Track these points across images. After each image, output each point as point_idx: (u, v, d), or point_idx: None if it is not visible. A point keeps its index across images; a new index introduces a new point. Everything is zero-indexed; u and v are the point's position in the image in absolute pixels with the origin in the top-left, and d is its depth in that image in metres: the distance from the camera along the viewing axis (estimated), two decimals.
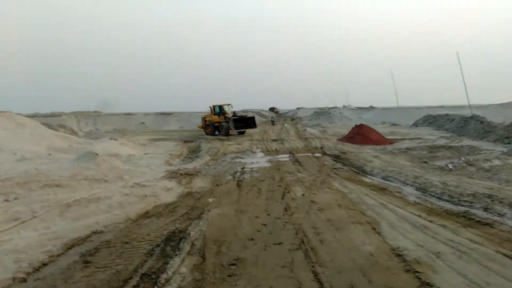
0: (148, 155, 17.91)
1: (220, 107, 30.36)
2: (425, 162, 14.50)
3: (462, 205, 7.66)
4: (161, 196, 8.93)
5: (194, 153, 20.00)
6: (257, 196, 9.17)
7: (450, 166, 13.30)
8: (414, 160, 15.02)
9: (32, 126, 20.60)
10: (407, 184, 10.00)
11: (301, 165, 14.37)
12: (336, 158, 16.04)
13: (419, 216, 6.91)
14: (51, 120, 35.57)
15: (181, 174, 12.13)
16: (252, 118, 30.11)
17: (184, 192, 9.61)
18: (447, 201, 8.12)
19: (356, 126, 23.35)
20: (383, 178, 11.06)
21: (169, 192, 9.46)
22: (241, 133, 29.50)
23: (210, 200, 8.78)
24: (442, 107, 32.60)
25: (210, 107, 31.05)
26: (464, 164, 13.36)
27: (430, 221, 6.56)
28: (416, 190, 9.31)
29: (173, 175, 11.83)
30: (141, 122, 38.96)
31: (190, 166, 14.73)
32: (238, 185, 10.67)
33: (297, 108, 48.28)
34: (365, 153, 17.41)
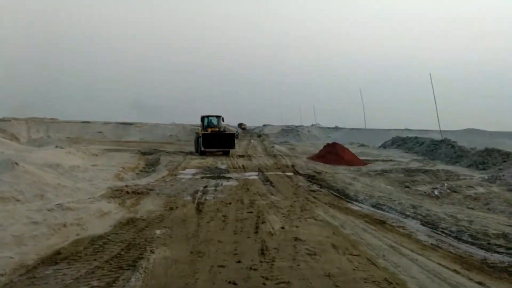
0: (96, 167, 14.95)
1: (208, 118, 23.71)
2: (407, 187, 12.61)
3: (498, 252, 5.52)
4: (89, 224, 6.25)
5: (151, 167, 17.20)
6: (223, 227, 6.66)
7: (436, 192, 11.43)
8: (395, 184, 13.10)
9: None
10: (408, 215, 7.82)
11: (272, 185, 12.01)
12: (311, 178, 13.82)
13: (455, 271, 4.65)
14: (1, 125, 31.53)
15: (127, 193, 9.42)
16: (231, 136, 22.47)
17: (125, 219, 6.94)
18: (472, 243, 5.96)
19: (328, 144, 21.42)
20: (373, 206, 8.86)
21: (103, 218, 6.77)
22: (225, 153, 22.12)
23: (158, 232, 6.18)
24: (408, 130, 31.59)
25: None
26: (448, 191, 11.56)
27: (479, 283, 4.30)
28: (422, 225, 7.14)
29: (116, 193, 9.11)
30: (98, 131, 35.55)
31: (142, 181, 12.02)
32: (198, 210, 8.12)
33: (264, 125, 46.45)
34: (340, 173, 15.32)
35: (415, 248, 5.60)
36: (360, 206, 8.88)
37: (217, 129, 22.84)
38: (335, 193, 10.73)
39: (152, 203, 8.71)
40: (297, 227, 6.66)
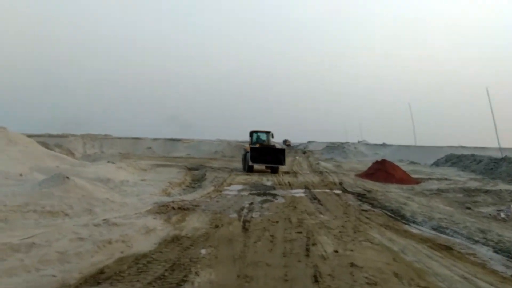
0: (145, 182, 15.09)
1: (256, 134, 22.38)
2: (469, 208, 11.52)
3: None
4: (135, 241, 6.02)
5: (197, 182, 17.14)
6: (270, 248, 6.19)
7: (502, 215, 10.30)
8: (454, 205, 12.02)
9: (24, 144, 17.99)
10: (476, 241, 6.95)
11: (321, 204, 11.38)
12: (361, 197, 13.03)
13: None
14: (59, 141, 33.18)
15: (173, 208, 9.21)
16: (281, 151, 20.71)
17: (170, 236, 6.67)
18: None
19: (377, 161, 20.39)
20: (434, 229, 8.02)
21: (148, 235, 6.53)
22: (274, 171, 20.37)
23: (203, 252, 5.83)
24: (462, 147, 29.57)
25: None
26: None
27: None
28: (496, 252, 6.27)
29: (162, 209, 8.91)
30: (148, 147, 36.46)
31: (188, 197, 11.82)
32: (244, 228, 7.71)
33: (308, 142, 45.57)
34: (392, 192, 14.38)
35: (493, 280, 4.83)
36: (419, 229, 8.07)
37: (265, 145, 21.64)
38: (389, 214, 9.93)
39: (198, 220, 8.43)
40: (351, 250, 6.05)
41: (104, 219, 6.92)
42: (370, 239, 6.87)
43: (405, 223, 8.76)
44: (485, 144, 29.28)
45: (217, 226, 7.72)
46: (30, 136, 27.01)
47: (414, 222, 8.87)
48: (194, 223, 8.02)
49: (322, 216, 9.38)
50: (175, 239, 6.50)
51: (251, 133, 22.38)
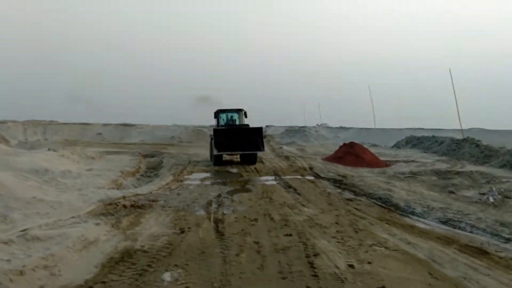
0: (91, 172, 12.69)
1: (225, 113, 16.82)
2: (452, 192, 10.46)
3: None
4: (64, 265, 4.01)
5: (153, 170, 14.96)
6: (260, 264, 4.41)
7: (491, 199, 9.27)
8: (435, 189, 10.92)
9: None
10: (507, 239, 5.58)
11: (297, 193, 9.78)
12: (338, 183, 11.57)
13: None
14: None
15: (124, 207, 7.17)
16: (257, 131, 14.97)
17: (118, 251, 4.70)
18: None
19: (345, 144, 19.13)
20: (443, 223, 6.61)
21: (87, 251, 4.53)
22: (250, 161, 15.22)
23: (167, 278, 3.95)
24: (421, 129, 29.37)
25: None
26: (500, 196, 9.43)
27: None
28: None
29: (109, 208, 6.85)
30: (98, 133, 33.18)
31: (144, 189, 9.76)
32: (218, 231, 5.88)
33: (266, 126, 44.45)
34: (368, 177, 13.07)
35: None
36: (426, 223, 6.63)
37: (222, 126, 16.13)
38: (379, 203, 8.48)
39: (156, 221, 6.48)
40: (369, 263, 4.41)
41: (23, 230, 4.80)
42: (381, 242, 5.29)
43: (404, 215, 7.32)
44: (444, 126, 29.07)
45: (182, 231, 5.82)
46: None
47: (413, 213, 7.46)
48: (152, 226, 6.07)
49: (306, 209, 7.75)
50: (125, 256, 4.54)
51: (217, 113, 16.56)
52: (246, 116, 16.53)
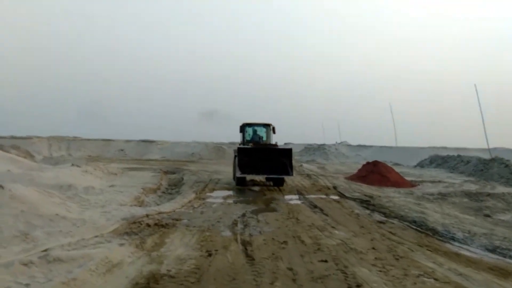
0: (114, 188, 12.49)
1: (251, 127, 15.06)
2: (488, 216, 9.86)
3: None
4: None
5: (175, 187, 14.68)
6: None
7: None
8: (470, 212, 10.34)
9: None
10: None
11: (324, 214, 9.30)
12: (365, 203, 11.03)
13: None
14: (22, 143, 29.63)
15: (148, 225, 6.83)
16: (286, 153, 13.28)
17: (143, 276, 4.32)
18: None
19: (368, 163, 18.53)
20: (491, 251, 6.03)
21: (110, 276, 4.17)
22: (277, 184, 13.93)
23: None
24: (444, 148, 28.41)
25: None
26: None
27: None
28: None
29: (133, 227, 6.52)
30: (120, 149, 33.37)
31: (166, 207, 9.41)
32: (247, 255, 5.45)
33: (285, 143, 43.93)
34: (396, 197, 12.46)
35: None
36: (470, 251, 6.05)
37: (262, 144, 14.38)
38: (414, 227, 7.92)
39: (182, 242, 6.10)
40: None
41: (44, 250, 4.49)
42: (428, 272, 4.76)
43: (444, 241, 6.74)
44: (468, 145, 28.08)
45: (209, 254, 5.42)
46: None
47: (453, 239, 6.87)
48: (177, 248, 5.69)
49: (336, 232, 7.25)
50: (151, 282, 4.16)
51: (242, 127, 14.84)
52: (274, 132, 14.75)
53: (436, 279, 4.48)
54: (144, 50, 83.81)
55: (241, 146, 13.93)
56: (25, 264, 3.91)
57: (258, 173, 13.21)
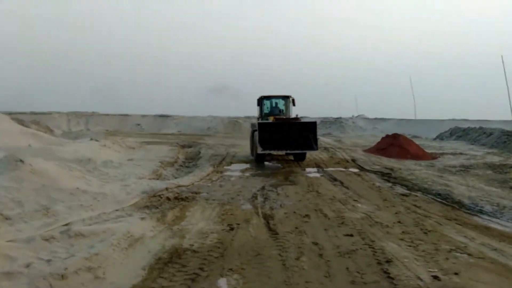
0: (132, 162, 12.49)
1: (269, 100, 14.27)
2: None
3: None
4: (109, 266, 3.55)
5: (192, 161, 14.60)
6: (326, 270, 3.79)
7: None
8: (495, 184, 9.88)
9: None
10: None
11: (345, 187, 9.06)
12: (386, 176, 10.73)
13: None
14: (42, 118, 29.98)
15: (168, 199, 6.73)
16: (311, 126, 12.53)
17: (166, 251, 4.21)
18: None
19: (388, 135, 18.05)
20: None
21: (133, 251, 4.07)
22: (299, 158, 13.38)
23: (222, 284, 3.41)
24: (466, 120, 27.54)
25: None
26: None
27: None
28: None
29: (153, 200, 6.43)
30: (137, 123, 33.50)
31: (185, 181, 9.31)
32: (270, 229, 5.30)
33: (301, 117, 43.48)
34: (417, 170, 12.10)
35: None
36: (502, 224, 5.75)
37: (284, 118, 13.32)
38: (439, 200, 7.62)
39: (202, 215, 5.98)
40: (456, 274, 3.68)
41: (65, 225, 4.41)
42: (460, 247, 4.52)
43: (472, 214, 6.45)
44: (490, 117, 27.11)
45: (231, 228, 5.28)
46: (11, 114, 23.98)
47: (481, 212, 6.57)
48: (198, 221, 5.58)
49: (359, 205, 7.03)
50: (174, 257, 4.04)
51: (260, 100, 14.01)
52: (294, 104, 13.77)
53: (469, 254, 4.24)
54: (153, 21, 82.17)
55: (261, 121, 13.03)
56: (46, 239, 3.83)
57: (280, 149, 12.22)
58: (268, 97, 14.20)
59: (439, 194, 8.08)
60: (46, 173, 6.36)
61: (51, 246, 3.74)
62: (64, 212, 4.93)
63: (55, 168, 7.55)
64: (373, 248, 4.44)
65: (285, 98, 14.06)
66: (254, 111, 15.37)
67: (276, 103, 14.22)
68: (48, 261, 3.35)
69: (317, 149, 12.50)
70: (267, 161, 13.38)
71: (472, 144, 21.29)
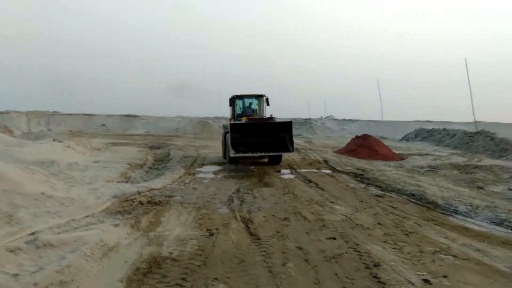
0: (99, 164, 11.91)
1: (241, 100, 13.63)
2: (481, 188, 9.76)
3: None
4: (83, 279, 3.24)
5: (161, 163, 14.15)
6: (314, 277, 3.65)
7: None
8: (462, 184, 10.22)
9: None
10: None
11: (320, 188, 9.03)
12: (359, 177, 10.82)
13: None
14: (0, 118, 28.24)
15: (140, 203, 6.40)
16: (286, 126, 11.93)
17: (144, 260, 3.93)
18: None
19: (358, 137, 18.34)
20: (498, 224, 5.86)
21: (108, 261, 3.75)
22: (274, 161, 12.88)
23: None
24: (429, 121, 28.54)
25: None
26: None
27: None
28: None
29: (125, 205, 6.08)
30: (102, 124, 32.27)
31: (157, 184, 8.95)
32: (251, 234, 5.12)
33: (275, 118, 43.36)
34: (388, 171, 12.32)
35: None
36: (477, 224, 5.87)
37: (258, 118, 12.64)
38: (414, 200, 7.73)
39: (179, 220, 5.71)
40: (445, 277, 3.65)
41: (32, 233, 4.03)
42: (444, 248, 4.52)
43: (448, 214, 6.56)
44: (453, 119, 28.17)
45: (211, 233, 5.05)
46: None
47: (456, 212, 6.70)
48: (175, 227, 5.30)
49: (337, 207, 6.99)
50: (153, 266, 3.77)
51: (232, 100, 13.39)
52: (268, 104, 13.14)
53: (454, 256, 4.25)
54: (115, 17, 79.52)
55: (234, 121, 12.44)
56: (11, 251, 3.45)
57: (254, 151, 11.54)
58: (241, 97, 13.61)
59: (413, 195, 8.20)
60: (7, 177, 5.86)
61: (17, 258, 3.37)
62: (29, 219, 4.51)
63: (16, 171, 7.00)
64: (358, 251, 4.36)
65: (259, 97, 13.54)
66: (224, 111, 14.97)
67: (250, 103, 13.71)
68: (15, 275, 3.00)
69: (293, 150, 11.98)
70: (239, 163, 13.18)
71: (437, 145, 22.05)
